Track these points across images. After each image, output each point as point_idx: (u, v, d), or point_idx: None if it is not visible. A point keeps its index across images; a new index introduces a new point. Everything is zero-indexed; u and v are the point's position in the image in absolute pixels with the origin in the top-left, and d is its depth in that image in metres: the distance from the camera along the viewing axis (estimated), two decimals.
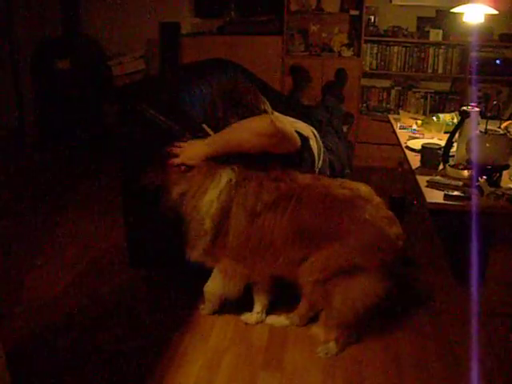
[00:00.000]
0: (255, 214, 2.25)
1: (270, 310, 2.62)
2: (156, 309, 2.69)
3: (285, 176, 2.30)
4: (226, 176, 2.30)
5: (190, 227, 2.35)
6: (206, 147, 2.34)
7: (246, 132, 2.27)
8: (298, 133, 2.47)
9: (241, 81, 3.21)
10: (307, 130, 2.72)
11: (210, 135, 2.45)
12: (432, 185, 2.60)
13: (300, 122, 2.82)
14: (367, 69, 5.51)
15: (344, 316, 2.27)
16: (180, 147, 2.37)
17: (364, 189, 2.31)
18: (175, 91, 2.86)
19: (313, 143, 2.64)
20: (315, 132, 2.76)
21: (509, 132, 3.12)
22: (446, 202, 2.46)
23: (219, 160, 2.32)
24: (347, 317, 2.27)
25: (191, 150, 2.36)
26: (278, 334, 2.50)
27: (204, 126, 2.57)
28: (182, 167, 2.34)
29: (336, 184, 2.31)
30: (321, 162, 2.67)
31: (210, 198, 2.29)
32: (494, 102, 3.02)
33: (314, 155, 2.63)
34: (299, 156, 2.51)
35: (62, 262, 3.14)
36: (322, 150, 2.72)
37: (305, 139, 2.56)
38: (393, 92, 5.63)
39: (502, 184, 2.57)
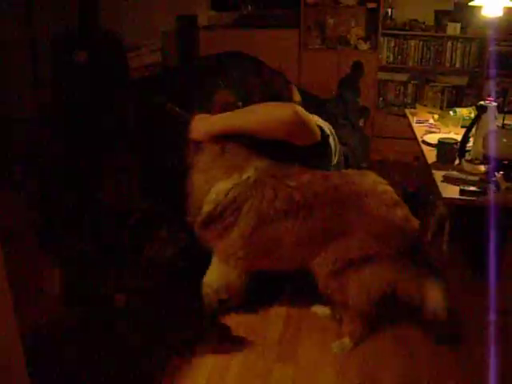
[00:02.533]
0: (266, 221, 2.24)
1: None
2: (162, 315, 2.59)
3: (297, 178, 2.29)
4: (246, 173, 2.26)
5: (189, 200, 2.34)
6: (219, 123, 2.27)
7: (267, 116, 2.21)
8: (320, 128, 2.46)
9: (268, 73, 3.20)
10: (327, 126, 2.73)
11: None
12: (448, 180, 2.60)
13: (319, 118, 2.83)
14: (384, 62, 5.48)
15: (360, 305, 2.28)
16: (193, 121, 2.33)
17: (367, 179, 2.31)
18: (192, 83, 2.88)
19: (331, 140, 2.65)
20: (332, 129, 2.76)
21: None
22: (462, 197, 2.46)
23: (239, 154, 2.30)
24: (363, 306, 2.28)
25: (201, 124, 2.32)
26: (291, 327, 2.52)
27: None
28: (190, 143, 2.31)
29: (342, 182, 2.29)
30: (336, 158, 2.67)
31: (223, 186, 2.24)
32: None
33: (331, 152, 2.63)
34: (319, 151, 2.49)
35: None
36: (338, 146, 2.72)
37: (326, 136, 2.57)
38: (410, 86, 5.61)
39: None
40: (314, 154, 2.43)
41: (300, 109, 2.23)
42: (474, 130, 2.90)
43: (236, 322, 2.54)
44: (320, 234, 2.22)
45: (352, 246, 2.19)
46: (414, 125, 3.64)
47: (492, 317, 2.52)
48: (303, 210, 2.22)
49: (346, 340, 2.39)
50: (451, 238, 3.32)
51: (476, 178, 2.56)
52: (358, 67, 4.02)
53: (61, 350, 2.32)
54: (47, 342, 2.37)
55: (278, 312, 2.64)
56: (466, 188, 2.48)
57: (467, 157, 2.80)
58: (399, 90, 5.63)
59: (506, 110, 2.81)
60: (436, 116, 3.68)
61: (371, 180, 2.30)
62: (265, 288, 2.62)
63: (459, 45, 5.33)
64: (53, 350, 2.32)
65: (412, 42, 5.41)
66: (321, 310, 2.60)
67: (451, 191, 2.50)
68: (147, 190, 2.89)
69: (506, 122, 2.67)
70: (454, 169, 2.73)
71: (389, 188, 2.28)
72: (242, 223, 2.26)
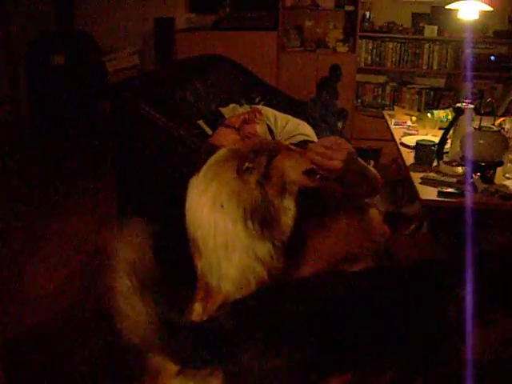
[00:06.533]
0: None
1: None
2: None
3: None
4: None
5: None
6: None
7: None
8: (307, 141, 2.46)
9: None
10: (310, 130, 2.73)
11: (206, 132, 2.44)
12: (426, 181, 2.60)
13: (302, 122, 2.82)
14: (362, 64, 5.51)
15: None
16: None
17: None
18: (170, 87, 2.85)
19: None
20: (313, 131, 2.76)
21: (503, 129, 3.13)
22: (440, 198, 2.47)
23: None
24: None
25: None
26: None
27: (200, 122, 2.57)
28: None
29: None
30: None
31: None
32: (488, 99, 3.02)
33: None
34: None
35: (55, 260, 3.12)
36: None
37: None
38: (388, 88, 5.64)
39: (496, 181, 2.57)
40: None
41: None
42: (451, 131, 2.92)
43: None
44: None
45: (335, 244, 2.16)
46: (392, 127, 3.65)
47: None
48: None
49: None
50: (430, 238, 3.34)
51: (454, 180, 2.57)
52: (335, 70, 4.02)
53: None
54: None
55: None
56: (444, 190, 2.49)
57: (445, 159, 2.82)
58: (377, 92, 5.66)
59: (482, 111, 2.83)
60: (414, 118, 3.69)
61: None
62: None
63: (436, 47, 5.38)
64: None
65: (390, 45, 5.45)
66: None
67: (429, 193, 2.51)
68: None
69: (482, 123, 2.69)
70: (431, 170, 2.74)
71: None
72: None
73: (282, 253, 1.83)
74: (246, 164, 1.76)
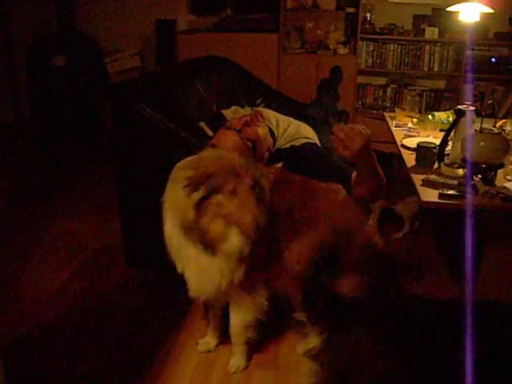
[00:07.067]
0: None
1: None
2: (150, 309, 2.68)
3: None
4: None
5: None
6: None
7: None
8: (309, 143, 2.46)
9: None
10: (311, 132, 2.73)
11: (207, 134, 2.44)
12: (427, 183, 2.61)
13: (304, 124, 2.82)
14: (363, 66, 5.51)
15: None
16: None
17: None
18: (171, 89, 2.85)
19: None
20: (314, 133, 2.77)
21: (504, 131, 3.14)
22: (441, 200, 2.47)
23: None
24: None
25: None
26: (271, 332, 2.51)
27: (201, 124, 2.57)
28: None
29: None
30: None
31: None
32: (489, 101, 3.02)
33: None
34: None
35: (56, 261, 3.13)
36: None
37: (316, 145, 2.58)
38: (388, 90, 5.64)
39: (497, 183, 2.58)
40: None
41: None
42: (452, 133, 2.92)
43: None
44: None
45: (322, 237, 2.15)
46: (393, 129, 3.66)
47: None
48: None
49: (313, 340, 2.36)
50: (429, 241, 3.34)
51: (455, 182, 2.57)
52: (336, 72, 4.02)
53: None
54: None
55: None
56: (445, 191, 2.49)
57: (446, 161, 2.82)
58: (378, 93, 5.66)
59: (483, 113, 2.83)
60: (415, 120, 3.70)
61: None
62: None
63: (437, 49, 5.38)
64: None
65: (391, 46, 5.45)
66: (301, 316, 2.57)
67: (430, 195, 2.51)
68: None
69: (483, 125, 2.69)
70: (432, 172, 2.75)
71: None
72: None
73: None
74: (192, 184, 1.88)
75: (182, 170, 1.96)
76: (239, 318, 2.19)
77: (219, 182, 1.89)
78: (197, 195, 1.87)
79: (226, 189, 1.89)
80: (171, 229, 1.97)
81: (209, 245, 1.91)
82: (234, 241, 1.90)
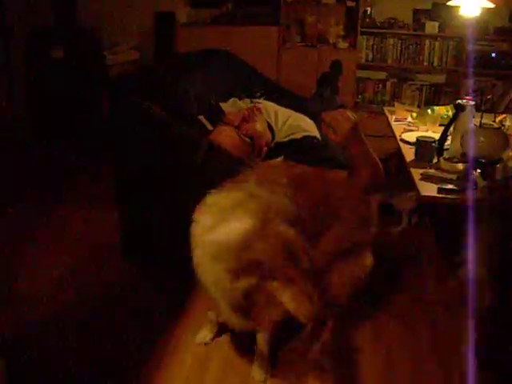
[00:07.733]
0: None
1: None
2: (148, 302, 2.68)
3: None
4: None
5: None
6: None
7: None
8: (309, 136, 2.46)
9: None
10: (311, 125, 2.72)
11: (206, 127, 2.43)
12: (426, 178, 2.61)
13: (304, 117, 2.82)
14: (363, 60, 5.50)
15: (339, 299, 2.20)
16: None
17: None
18: (170, 82, 2.84)
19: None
20: (314, 126, 2.76)
21: (503, 126, 3.13)
22: (440, 195, 2.47)
23: None
24: (341, 299, 2.20)
25: None
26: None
27: (200, 117, 2.56)
28: None
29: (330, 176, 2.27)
30: None
31: None
32: (489, 96, 3.02)
33: None
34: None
35: (55, 256, 3.11)
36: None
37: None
38: (388, 84, 5.63)
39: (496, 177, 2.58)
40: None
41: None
42: (452, 128, 2.92)
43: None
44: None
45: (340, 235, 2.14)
46: (393, 123, 3.66)
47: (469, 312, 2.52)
48: None
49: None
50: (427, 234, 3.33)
51: (454, 177, 2.57)
52: (336, 66, 4.02)
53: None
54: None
55: None
56: (444, 186, 2.49)
57: (445, 155, 2.82)
58: (378, 88, 5.65)
59: (483, 108, 2.83)
60: (414, 114, 3.69)
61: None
62: None
63: (437, 43, 5.37)
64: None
65: (390, 41, 5.44)
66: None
67: (429, 189, 2.51)
68: None
69: (483, 120, 2.69)
70: (432, 167, 2.75)
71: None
72: None
73: None
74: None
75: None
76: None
77: (273, 267, 1.67)
78: (246, 282, 1.71)
79: (282, 276, 1.68)
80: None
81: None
82: None
